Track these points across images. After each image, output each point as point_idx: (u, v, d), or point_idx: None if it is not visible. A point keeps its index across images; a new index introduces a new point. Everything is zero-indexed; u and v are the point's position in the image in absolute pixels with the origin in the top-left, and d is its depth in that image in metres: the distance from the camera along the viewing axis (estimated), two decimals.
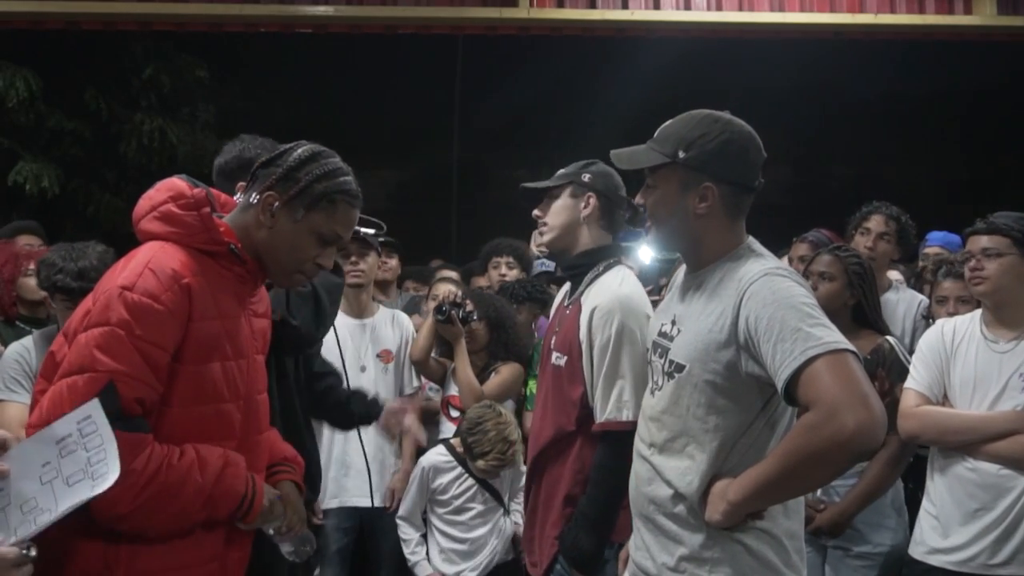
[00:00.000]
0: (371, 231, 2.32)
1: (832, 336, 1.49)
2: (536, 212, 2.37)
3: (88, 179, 9.63)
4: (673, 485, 1.70)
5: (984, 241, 2.35)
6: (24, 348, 2.55)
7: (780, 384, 1.50)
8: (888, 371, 2.58)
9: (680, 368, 1.69)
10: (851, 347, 1.49)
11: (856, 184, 14.18)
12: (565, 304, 2.38)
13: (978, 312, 2.45)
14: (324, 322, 2.06)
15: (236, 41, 10.16)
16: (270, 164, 1.66)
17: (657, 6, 5.96)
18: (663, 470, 1.72)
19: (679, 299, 1.81)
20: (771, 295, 1.56)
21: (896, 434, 2.43)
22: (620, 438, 2.09)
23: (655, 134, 1.78)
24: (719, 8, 5.96)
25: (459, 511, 2.91)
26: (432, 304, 3.35)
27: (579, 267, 2.32)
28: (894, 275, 3.73)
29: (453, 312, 3.19)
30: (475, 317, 3.24)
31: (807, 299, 1.56)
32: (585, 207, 2.30)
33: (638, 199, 1.84)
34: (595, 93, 14.39)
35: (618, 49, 9.58)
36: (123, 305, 1.49)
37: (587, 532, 2.13)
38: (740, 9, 5.97)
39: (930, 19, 6.10)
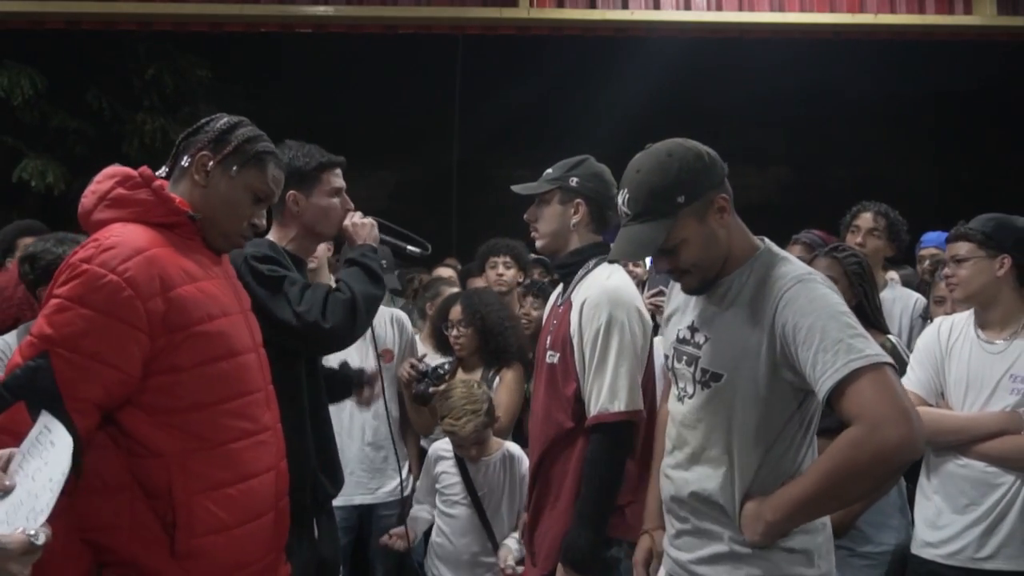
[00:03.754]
0: (416, 250, 2.36)
1: (872, 348, 1.52)
2: (527, 216, 2.42)
3: (91, 177, 9.67)
4: (707, 491, 1.72)
5: (954, 248, 2.39)
6: (6, 343, 2.55)
7: (823, 393, 1.52)
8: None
9: (717, 377, 1.70)
10: (890, 360, 1.52)
11: (856, 184, 14.16)
12: (558, 304, 2.40)
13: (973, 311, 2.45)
14: (357, 330, 2.08)
15: (237, 41, 10.18)
16: (196, 132, 1.76)
17: (657, 6, 5.98)
18: (698, 477, 1.75)
19: (698, 305, 1.81)
20: (808, 303, 1.57)
21: None
22: (612, 430, 2.11)
23: (631, 211, 1.71)
24: (719, 8, 5.97)
25: (450, 504, 2.90)
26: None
27: (569, 266, 2.35)
28: (891, 275, 3.74)
29: (429, 391, 3.01)
30: (446, 369, 3.06)
31: (843, 307, 1.59)
32: (575, 213, 2.32)
33: (666, 267, 1.76)
34: (595, 93, 14.37)
35: (618, 49, 9.58)
36: (78, 277, 1.49)
37: (582, 529, 2.12)
38: (740, 9, 5.98)
39: (930, 19, 6.12)
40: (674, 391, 1.86)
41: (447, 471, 2.91)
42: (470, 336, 3.23)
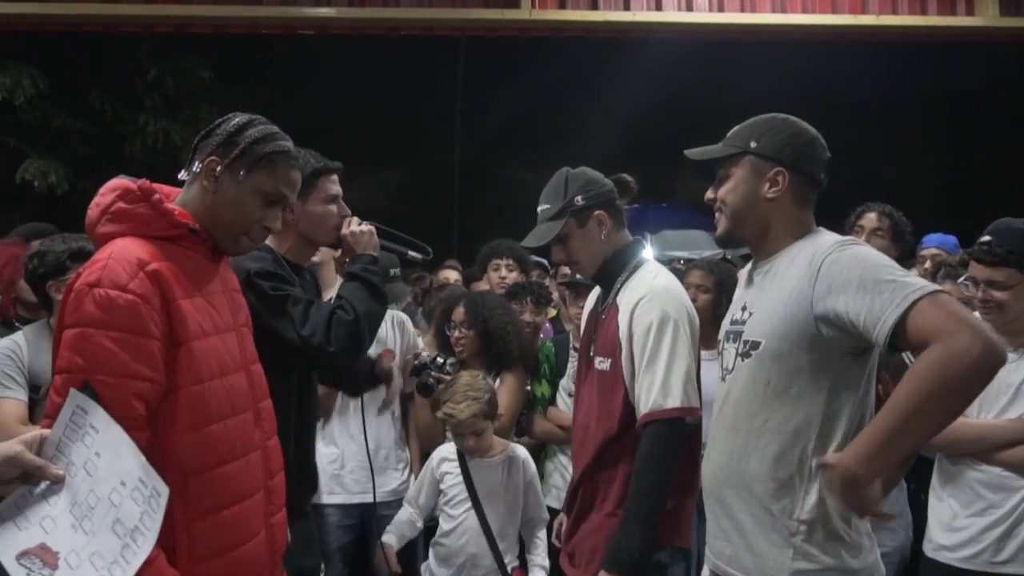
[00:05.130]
0: (418, 255, 2.35)
1: (924, 281, 1.58)
2: (556, 259, 2.36)
3: (95, 179, 9.71)
4: (759, 462, 1.74)
5: (990, 273, 2.29)
6: (15, 343, 2.51)
7: (886, 331, 1.54)
8: (892, 374, 2.56)
9: (756, 345, 1.75)
10: (942, 288, 1.61)
11: (857, 185, 14.16)
12: (600, 309, 2.33)
13: (978, 315, 2.42)
14: (360, 351, 2.06)
15: (239, 43, 10.21)
16: (208, 135, 1.71)
17: (659, 7, 5.98)
18: (747, 449, 1.76)
19: (748, 288, 1.89)
20: (853, 259, 1.65)
21: None
22: (665, 427, 2.05)
23: (727, 135, 1.91)
24: (721, 9, 5.97)
25: (452, 505, 2.89)
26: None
27: (608, 273, 2.29)
28: None
29: (431, 381, 3.01)
30: (450, 363, 3.08)
31: (886, 258, 1.67)
32: (600, 227, 2.26)
33: (708, 195, 1.91)
34: (596, 94, 14.39)
35: (620, 50, 9.61)
36: (92, 302, 1.49)
37: (632, 529, 2.03)
38: (742, 10, 5.98)
39: (932, 20, 6.12)
40: (719, 375, 1.89)
41: (451, 472, 2.91)
42: (472, 338, 3.22)
